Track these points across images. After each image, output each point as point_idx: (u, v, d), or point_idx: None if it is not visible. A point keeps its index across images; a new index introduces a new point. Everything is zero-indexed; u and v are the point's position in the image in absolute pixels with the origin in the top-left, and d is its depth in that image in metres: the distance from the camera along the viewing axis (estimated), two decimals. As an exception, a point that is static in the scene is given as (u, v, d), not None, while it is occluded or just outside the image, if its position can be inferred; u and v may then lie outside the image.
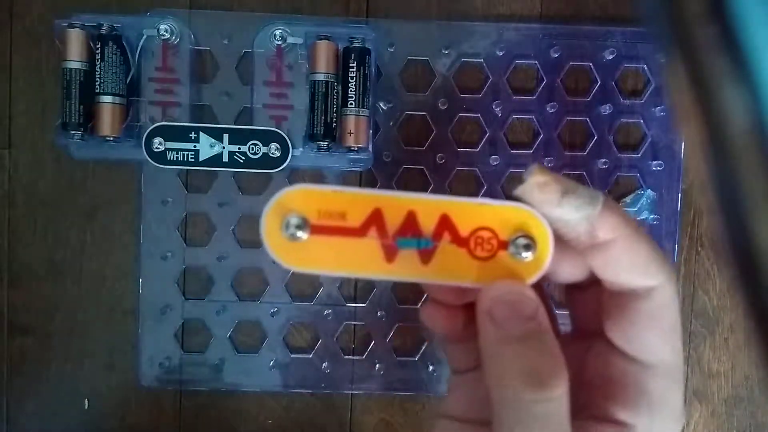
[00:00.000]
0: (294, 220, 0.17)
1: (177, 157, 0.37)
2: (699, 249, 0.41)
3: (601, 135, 0.39)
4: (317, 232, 0.17)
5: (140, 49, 0.37)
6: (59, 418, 0.40)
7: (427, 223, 0.17)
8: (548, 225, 0.17)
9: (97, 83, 0.36)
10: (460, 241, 0.17)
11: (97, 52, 0.36)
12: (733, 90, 0.12)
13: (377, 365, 0.40)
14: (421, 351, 0.40)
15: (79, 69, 0.36)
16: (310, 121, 0.37)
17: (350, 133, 0.37)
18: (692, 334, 0.41)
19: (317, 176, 0.40)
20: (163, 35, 0.37)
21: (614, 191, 0.40)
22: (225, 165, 0.37)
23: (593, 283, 0.19)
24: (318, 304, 0.40)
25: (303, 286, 0.40)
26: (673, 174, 0.40)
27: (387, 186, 0.39)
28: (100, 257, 0.40)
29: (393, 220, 0.17)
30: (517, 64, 0.39)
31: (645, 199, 0.40)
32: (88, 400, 0.40)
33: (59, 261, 0.39)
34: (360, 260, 0.17)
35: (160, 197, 0.39)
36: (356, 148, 0.37)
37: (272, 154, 0.37)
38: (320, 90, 0.36)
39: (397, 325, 0.40)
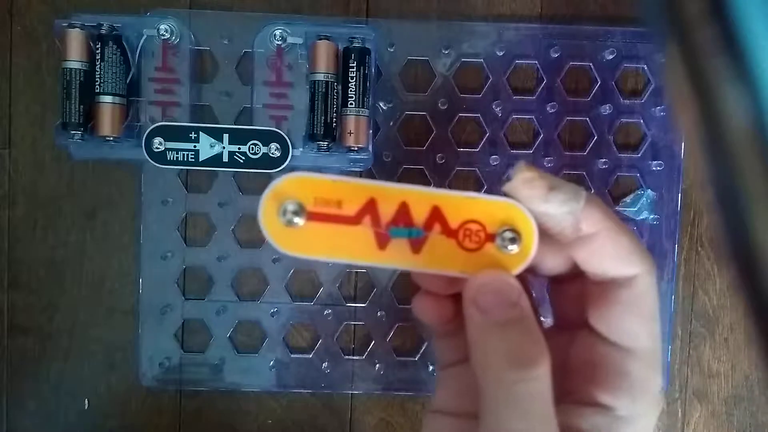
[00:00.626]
0: (291, 207, 0.17)
1: (177, 157, 0.37)
2: (699, 249, 0.41)
3: (601, 135, 0.39)
4: (313, 218, 0.18)
5: (140, 49, 0.37)
6: (59, 418, 0.40)
7: (419, 214, 0.18)
8: (533, 219, 0.18)
9: (97, 83, 0.36)
10: (449, 232, 0.18)
11: (97, 52, 0.36)
12: (733, 90, 0.12)
13: (377, 365, 0.40)
14: (421, 351, 0.40)
15: (79, 69, 0.36)
16: (310, 121, 0.37)
17: (350, 133, 0.37)
18: (692, 334, 0.41)
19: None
20: (163, 35, 0.37)
21: (614, 191, 0.40)
22: (225, 165, 0.37)
23: (575, 277, 0.20)
24: (318, 304, 0.40)
25: (303, 286, 0.40)
26: (673, 174, 0.40)
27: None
28: (100, 257, 0.40)
29: (386, 210, 0.18)
30: (517, 64, 0.39)
31: (645, 199, 0.40)
32: (88, 400, 0.40)
33: (59, 261, 0.39)
34: (353, 247, 0.18)
35: (160, 197, 0.39)
36: (356, 148, 0.37)
37: (272, 154, 0.37)
38: (320, 90, 0.36)
39: (397, 325, 0.40)
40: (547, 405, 0.17)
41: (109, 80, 0.36)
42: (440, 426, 0.20)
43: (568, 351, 0.20)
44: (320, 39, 0.36)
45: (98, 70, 0.36)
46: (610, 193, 0.40)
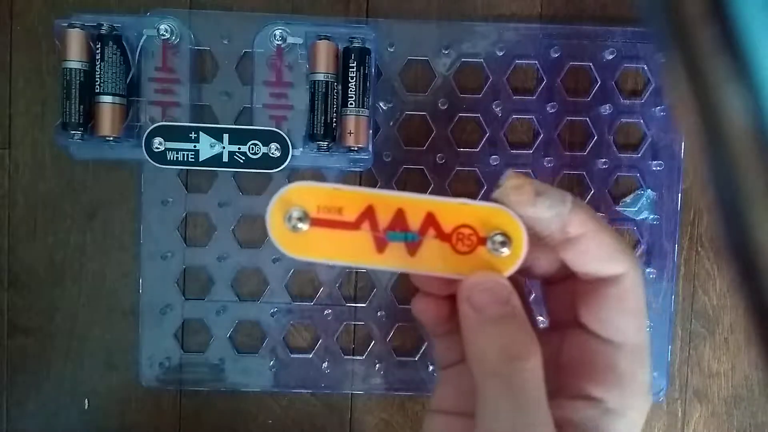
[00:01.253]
0: (296, 213, 0.19)
1: (177, 157, 0.37)
2: (699, 249, 0.41)
3: (601, 135, 0.39)
4: (316, 224, 0.19)
5: (140, 49, 0.37)
6: (59, 418, 0.40)
7: (414, 220, 0.19)
8: (522, 224, 0.19)
9: (97, 83, 0.36)
10: (443, 236, 0.19)
11: (97, 52, 0.36)
12: (733, 90, 0.12)
13: (377, 365, 0.40)
14: (421, 351, 0.40)
15: (79, 69, 0.36)
16: (310, 121, 0.37)
17: (350, 133, 0.37)
18: (692, 334, 0.41)
19: (317, 176, 0.40)
20: (163, 35, 0.37)
21: (614, 191, 0.40)
22: (225, 165, 0.37)
23: (565, 278, 0.21)
24: (318, 304, 0.40)
25: (303, 286, 0.40)
26: (673, 174, 0.40)
27: (386, 186, 0.39)
28: (100, 257, 0.40)
29: (384, 216, 0.19)
30: (517, 64, 0.39)
31: (645, 199, 0.40)
32: (88, 400, 0.40)
33: (59, 261, 0.39)
34: (354, 250, 0.19)
35: (160, 197, 0.39)
36: (356, 148, 0.37)
37: (272, 154, 0.37)
38: (320, 90, 0.37)
39: (397, 325, 0.40)
40: (541, 396, 0.18)
41: (109, 80, 0.36)
42: (440, 425, 0.21)
43: (560, 349, 0.21)
44: (320, 39, 0.37)
45: (98, 70, 0.36)
46: (610, 193, 0.40)
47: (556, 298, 0.22)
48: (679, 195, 0.40)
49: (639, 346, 0.19)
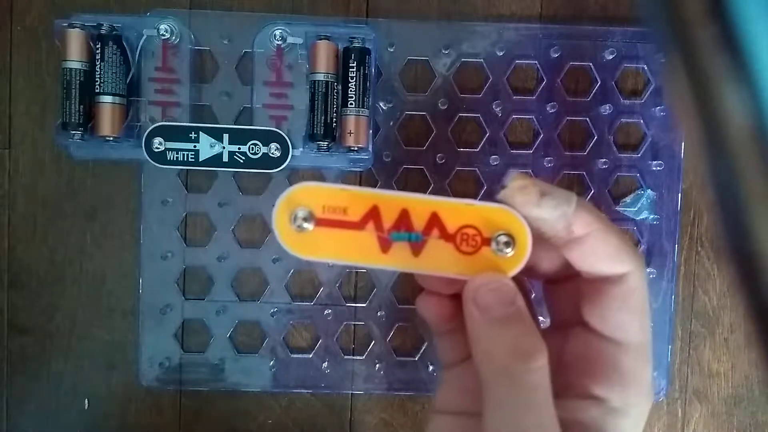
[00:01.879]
0: (301, 213, 0.19)
1: (177, 157, 0.37)
2: (699, 249, 0.41)
3: (601, 135, 0.39)
4: (321, 224, 0.19)
5: (140, 49, 0.37)
6: (59, 418, 0.40)
7: (419, 220, 0.19)
8: (526, 224, 0.19)
9: (97, 83, 0.36)
10: (447, 236, 0.19)
11: (97, 52, 0.36)
12: (733, 90, 0.12)
13: (377, 365, 0.40)
14: (421, 351, 0.40)
15: (79, 69, 0.36)
16: (310, 121, 0.37)
17: (350, 133, 0.37)
18: (692, 334, 0.41)
19: (317, 176, 0.40)
20: (163, 35, 0.37)
21: (614, 191, 0.40)
22: (225, 165, 0.37)
23: (568, 277, 0.21)
24: (318, 304, 0.40)
25: (303, 286, 0.40)
26: (673, 174, 0.40)
27: (387, 186, 0.39)
28: (100, 257, 0.40)
29: (388, 216, 0.19)
30: (517, 64, 0.39)
31: (645, 199, 0.40)
32: (88, 400, 0.40)
33: (59, 261, 0.39)
34: (358, 250, 0.19)
35: (160, 197, 0.39)
36: (356, 148, 0.37)
37: (272, 154, 0.37)
38: (320, 90, 0.36)
39: (397, 325, 0.40)
40: (548, 396, 0.18)
41: (109, 80, 0.36)
42: (443, 425, 0.21)
43: (563, 348, 0.21)
44: (320, 39, 0.36)
45: (98, 70, 0.36)
46: (610, 193, 0.40)
47: (559, 298, 0.22)
48: (679, 195, 0.40)
49: (642, 345, 0.20)
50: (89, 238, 0.40)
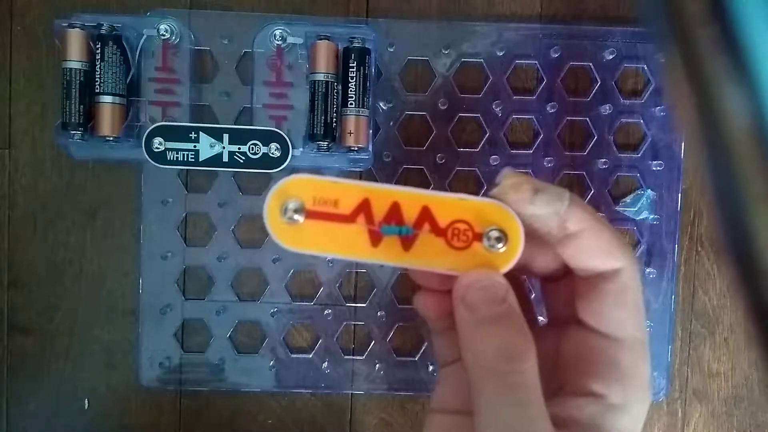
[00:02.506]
0: (292, 205, 0.19)
1: (177, 157, 0.37)
2: (699, 249, 0.41)
3: (601, 135, 0.39)
4: (312, 216, 0.19)
5: (140, 49, 0.37)
6: (59, 418, 0.40)
7: (410, 214, 0.19)
8: (518, 219, 0.19)
9: (97, 83, 0.36)
10: (438, 231, 0.19)
11: (97, 52, 0.36)
12: (733, 90, 0.12)
13: (377, 365, 0.40)
14: (421, 351, 0.40)
15: (79, 69, 0.36)
16: (310, 121, 0.37)
17: (350, 133, 0.37)
18: (692, 334, 0.41)
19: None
20: (163, 35, 0.37)
21: (614, 191, 0.40)
22: (225, 165, 0.37)
23: (563, 275, 0.21)
24: (318, 304, 0.40)
25: (303, 286, 0.40)
26: (673, 174, 0.40)
27: (387, 186, 0.39)
28: (100, 257, 0.40)
29: (379, 210, 0.19)
30: (517, 64, 0.39)
31: (645, 199, 0.40)
32: (88, 400, 0.40)
33: (59, 261, 0.39)
34: (348, 243, 0.19)
35: (160, 197, 0.39)
36: (356, 148, 0.37)
37: (272, 154, 0.37)
38: (320, 90, 0.36)
39: (397, 325, 0.40)
40: (537, 396, 0.18)
41: (109, 80, 0.36)
42: (440, 424, 0.21)
43: (559, 346, 0.21)
44: (320, 39, 0.36)
45: (98, 70, 0.36)
46: (610, 193, 0.40)
47: (554, 296, 0.22)
48: (679, 195, 0.40)
49: (639, 341, 0.19)
50: (89, 238, 0.40)
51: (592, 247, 0.19)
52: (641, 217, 0.40)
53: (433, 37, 0.39)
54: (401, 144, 0.39)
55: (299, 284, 0.40)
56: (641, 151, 0.40)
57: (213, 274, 0.40)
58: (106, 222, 0.39)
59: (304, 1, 0.39)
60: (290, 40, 0.38)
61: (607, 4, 0.40)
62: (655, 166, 0.40)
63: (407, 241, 0.19)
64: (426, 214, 0.19)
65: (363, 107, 0.37)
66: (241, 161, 0.37)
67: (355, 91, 0.37)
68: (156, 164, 0.37)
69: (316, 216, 0.19)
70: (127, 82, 0.37)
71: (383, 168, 0.39)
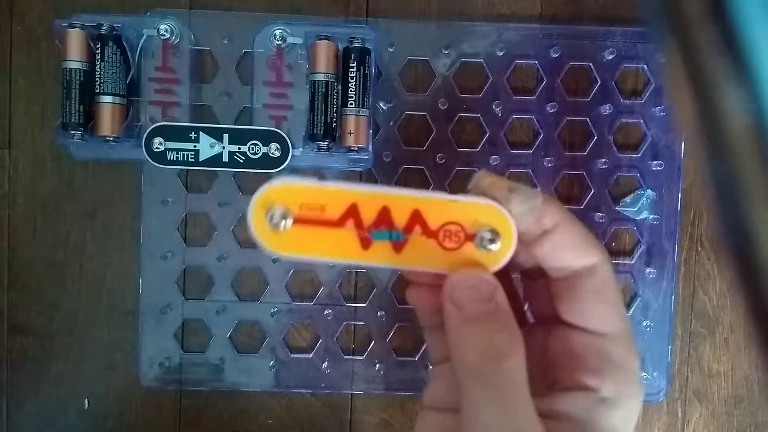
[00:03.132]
0: (278, 212, 0.18)
1: (177, 157, 0.37)
2: (699, 249, 0.41)
3: (601, 135, 0.39)
4: (299, 222, 0.19)
5: (140, 49, 0.37)
6: (59, 418, 0.40)
7: (400, 218, 0.19)
8: (512, 219, 0.19)
9: (97, 83, 0.36)
10: (430, 233, 0.19)
11: (97, 52, 0.36)
12: (733, 90, 0.12)
13: (377, 365, 0.40)
14: (421, 351, 0.40)
15: (79, 69, 0.36)
16: (310, 121, 0.37)
17: (350, 133, 0.37)
18: (692, 334, 0.41)
19: (317, 176, 0.40)
20: (163, 35, 0.37)
21: (614, 191, 0.40)
22: (225, 165, 0.37)
23: (542, 275, 0.21)
24: (318, 304, 0.40)
25: (303, 286, 0.40)
26: (673, 174, 0.40)
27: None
28: (100, 257, 0.40)
29: (368, 215, 0.19)
30: (517, 64, 0.39)
31: (645, 199, 0.40)
32: (88, 400, 0.40)
33: (59, 261, 0.39)
34: (338, 248, 0.19)
35: (160, 197, 0.39)
36: (356, 148, 0.37)
37: (272, 154, 0.37)
38: (320, 90, 0.36)
39: (397, 325, 0.40)
40: (524, 394, 0.18)
41: (109, 80, 0.36)
42: (432, 421, 0.21)
43: (548, 342, 0.21)
44: (320, 39, 0.36)
45: (98, 70, 0.36)
46: (610, 193, 0.40)
47: (536, 295, 0.22)
48: (679, 195, 0.40)
49: (624, 334, 0.20)
50: (89, 238, 0.40)
51: (567, 243, 0.19)
52: (641, 217, 0.40)
53: (433, 37, 0.39)
54: (401, 144, 0.39)
55: (299, 284, 0.40)
56: (641, 151, 0.40)
57: (213, 274, 0.40)
58: (106, 222, 0.39)
59: (304, 1, 0.39)
60: (290, 40, 0.38)
61: (607, 4, 0.40)
62: (655, 166, 0.40)
63: (398, 244, 0.19)
64: (417, 217, 0.19)
65: (363, 107, 0.37)
66: (241, 161, 0.37)
67: (355, 91, 0.37)
68: (156, 164, 0.37)
69: (303, 221, 0.19)
70: (127, 82, 0.37)
71: (383, 168, 0.39)
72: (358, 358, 0.40)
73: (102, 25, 0.36)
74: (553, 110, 0.39)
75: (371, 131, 0.38)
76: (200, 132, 0.37)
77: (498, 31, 0.39)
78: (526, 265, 0.21)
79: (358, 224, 0.19)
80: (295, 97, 0.38)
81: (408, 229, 0.19)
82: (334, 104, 0.37)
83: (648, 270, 0.40)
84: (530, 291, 0.23)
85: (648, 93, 0.39)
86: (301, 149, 0.38)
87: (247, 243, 0.40)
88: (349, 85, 0.37)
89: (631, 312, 0.40)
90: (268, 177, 0.39)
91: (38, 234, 0.39)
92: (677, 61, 0.12)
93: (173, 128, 0.37)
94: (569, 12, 0.40)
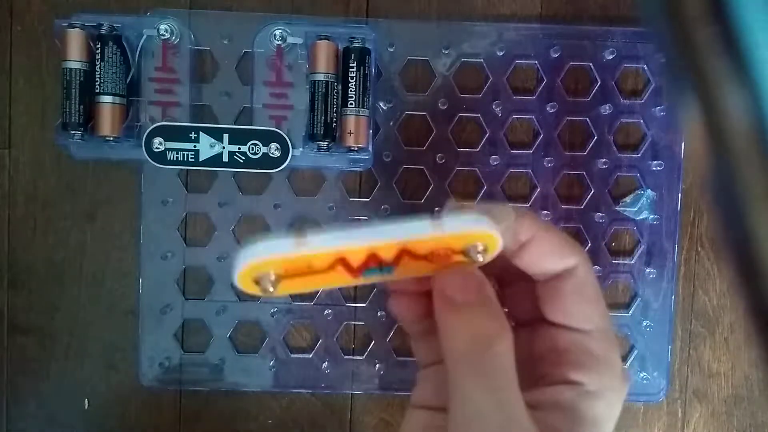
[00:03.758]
0: (265, 279, 0.18)
1: (177, 157, 0.37)
2: (699, 249, 0.41)
3: (601, 135, 0.39)
4: (288, 277, 0.18)
5: (140, 49, 0.37)
6: (59, 418, 0.40)
7: (388, 256, 0.19)
8: (496, 231, 0.19)
9: (97, 83, 0.36)
10: (419, 257, 0.19)
11: (97, 52, 0.36)
12: (733, 90, 0.12)
13: (377, 365, 0.40)
14: (421, 351, 0.40)
15: (79, 69, 0.36)
16: (310, 121, 0.37)
17: (350, 133, 0.37)
18: (692, 334, 0.41)
19: (317, 176, 0.40)
20: (163, 35, 0.37)
21: (614, 191, 0.40)
22: (225, 165, 0.37)
23: (518, 279, 0.22)
24: (318, 304, 0.40)
25: (303, 286, 0.40)
26: (673, 174, 0.40)
27: (386, 186, 0.39)
28: (100, 257, 0.40)
29: (356, 261, 0.19)
30: (517, 64, 0.39)
31: (645, 199, 0.40)
32: (88, 400, 0.40)
33: (59, 261, 0.39)
34: (330, 282, 0.19)
35: (160, 197, 0.39)
36: (356, 148, 0.37)
37: (272, 154, 0.37)
38: (320, 90, 0.36)
39: (397, 325, 0.40)
40: (512, 379, 0.18)
41: (109, 80, 0.36)
42: (419, 418, 0.21)
43: (531, 343, 0.22)
44: (320, 39, 0.36)
45: (98, 70, 0.36)
46: (610, 193, 0.40)
47: (515, 299, 0.23)
48: (679, 195, 0.40)
49: (606, 330, 0.20)
50: (89, 238, 0.40)
51: (545, 250, 0.20)
52: (641, 217, 0.40)
53: (433, 37, 0.39)
54: (401, 144, 0.39)
55: (299, 284, 0.40)
56: (641, 151, 0.40)
57: (213, 274, 0.40)
58: (106, 222, 0.39)
59: (304, 1, 0.39)
60: (290, 40, 0.38)
61: (607, 4, 0.40)
62: (655, 166, 0.40)
63: (389, 272, 0.19)
64: (404, 252, 0.19)
65: (363, 107, 0.37)
66: (241, 161, 0.37)
67: (355, 91, 0.37)
68: (156, 164, 0.37)
69: (293, 276, 0.18)
70: (127, 82, 0.37)
71: (383, 168, 0.39)
72: (358, 358, 0.40)
73: (102, 25, 0.36)
74: (553, 110, 0.39)
75: (371, 131, 0.38)
76: (200, 132, 0.37)
77: (498, 31, 0.39)
78: (498, 272, 0.22)
79: (348, 269, 0.19)
80: (295, 97, 0.38)
81: (397, 262, 0.19)
82: (334, 104, 0.37)
83: (648, 270, 0.40)
84: (509, 296, 0.23)
85: (648, 93, 0.39)
86: (301, 149, 0.38)
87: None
88: (349, 85, 0.37)
89: (631, 312, 0.40)
90: (269, 177, 0.39)
91: (38, 234, 0.39)
92: (677, 62, 0.12)
93: (173, 128, 0.37)
94: (569, 12, 0.40)
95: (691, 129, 0.12)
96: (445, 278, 0.19)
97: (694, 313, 0.41)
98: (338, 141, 0.37)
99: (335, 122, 0.37)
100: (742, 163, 0.12)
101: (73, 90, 0.36)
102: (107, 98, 0.36)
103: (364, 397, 0.41)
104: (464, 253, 0.19)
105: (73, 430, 0.40)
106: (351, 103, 0.37)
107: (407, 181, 0.40)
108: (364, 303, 0.40)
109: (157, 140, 0.36)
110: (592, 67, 0.39)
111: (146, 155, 0.36)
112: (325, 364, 0.40)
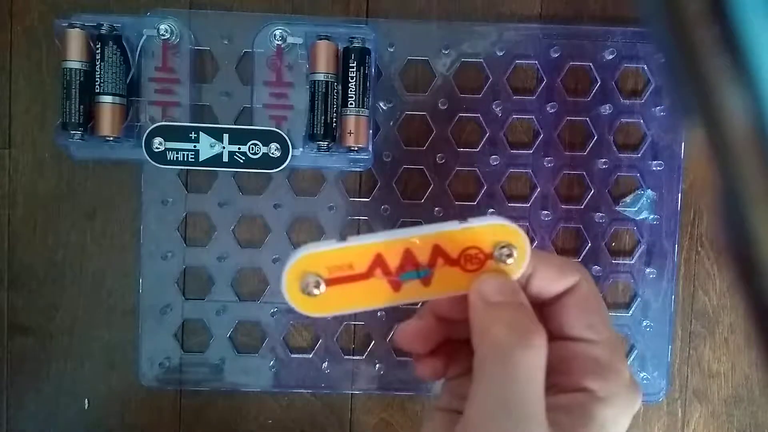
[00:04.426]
0: (310, 281, 0.20)
1: (177, 157, 0.37)
2: (699, 249, 0.41)
3: (601, 135, 0.39)
4: (331, 283, 0.20)
5: (140, 49, 0.37)
6: (59, 418, 0.40)
7: (422, 255, 0.20)
8: (522, 231, 0.20)
9: (97, 83, 0.36)
10: (452, 262, 0.20)
11: (97, 52, 0.36)
12: (733, 90, 0.12)
13: (377, 365, 0.40)
14: (421, 351, 0.40)
15: (79, 69, 0.36)
16: (310, 121, 0.37)
17: (350, 133, 0.37)
18: (692, 334, 0.41)
19: (317, 176, 0.40)
20: (163, 35, 0.37)
21: (614, 191, 0.40)
22: (225, 165, 0.37)
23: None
24: (318, 304, 0.40)
25: (303, 286, 0.40)
26: (673, 174, 0.40)
27: (387, 186, 0.39)
28: (100, 257, 0.40)
29: (393, 260, 0.20)
30: (517, 64, 0.39)
31: (645, 199, 0.40)
32: (88, 400, 0.40)
33: (59, 261, 0.39)
34: (372, 297, 0.20)
35: (160, 197, 0.39)
36: (356, 148, 0.37)
37: (272, 154, 0.37)
38: (320, 90, 0.36)
39: (397, 325, 0.40)
40: (540, 375, 0.19)
41: (109, 80, 0.36)
42: (439, 417, 0.22)
43: None
44: (320, 39, 0.36)
45: (98, 70, 0.36)
46: (610, 193, 0.40)
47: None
48: (679, 195, 0.40)
49: (613, 340, 0.21)
50: (89, 238, 0.40)
51: (548, 277, 0.21)
52: (641, 217, 0.40)
53: (433, 37, 0.39)
54: (401, 144, 0.39)
55: (299, 284, 0.40)
56: (641, 151, 0.40)
57: (213, 274, 0.40)
58: (106, 222, 0.39)
59: (304, 1, 0.39)
60: (290, 40, 0.37)
61: (607, 4, 0.40)
62: (655, 166, 0.40)
63: (426, 279, 0.20)
64: (438, 251, 0.20)
65: (363, 107, 0.37)
66: (241, 161, 0.37)
67: (355, 91, 0.37)
68: (156, 164, 0.37)
69: (335, 282, 0.20)
70: (127, 82, 0.37)
71: (383, 168, 0.39)
72: (358, 358, 0.40)
73: (102, 25, 0.36)
74: (553, 110, 0.39)
75: (371, 131, 0.38)
76: (200, 132, 0.37)
77: (498, 31, 0.39)
78: None
79: (386, 271, 0.20)
80: (295, 97, 0.38)
81: (432, 263, 0.20)
82: (334, 104, 0.37)
83: (648, 270, 0.40)
84: None
85: (648, 93, 0.39)
86: (301, 149, 0.38)
87: (247, 243, 0.40)
88: (349, 85, 0.37)
89: (631, 312, 0.40)
90: (269, 177, 0.39)
91: (38, 234, 0.39)
92: (677, 62, 0.12)
93: (173, 128, 0.37)
94: (569, 12, 0.40)
95: (691, 129, 0.12)
96: (482, 282, 0.20)
97: (694, 313, 0.41)
98: (338, 141, 0.37)
99: (335, 122, 0.37)
100: (742, 163, 0.12)
101: (73, 90, 0.36)
102: (107, 98, 0.36)
103: (364, 397, 0.41)
104: (494, 258, 0.20)
105: (73, 430, 0.40)
106: (351, 103, 0.37)
107: (407, 181, 0.40)
108: (364, 303, 0.40)
109: (157, 140, 0.36)
110: (592, 67, 0.39)
111: (146, 155, 0.36)
112: (325, 364, 0.40)
